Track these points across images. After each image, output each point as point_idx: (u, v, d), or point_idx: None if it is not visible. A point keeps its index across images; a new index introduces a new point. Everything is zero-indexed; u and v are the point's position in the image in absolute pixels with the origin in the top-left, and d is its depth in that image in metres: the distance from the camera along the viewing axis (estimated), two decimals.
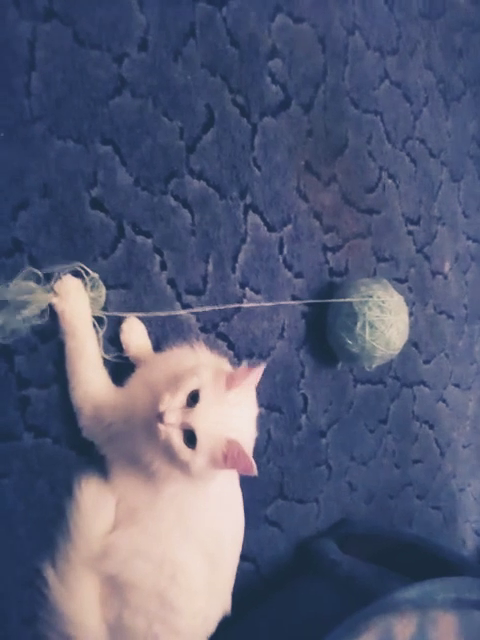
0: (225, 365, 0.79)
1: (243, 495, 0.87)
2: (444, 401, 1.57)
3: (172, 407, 0.68)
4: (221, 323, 1.00)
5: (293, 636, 0.97)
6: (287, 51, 1.09)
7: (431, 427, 1.53)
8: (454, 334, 1.59)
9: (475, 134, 1.58)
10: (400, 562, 1.13)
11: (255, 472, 0.68)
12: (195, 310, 0.96)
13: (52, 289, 0.79)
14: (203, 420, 0.68)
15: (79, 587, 0.77)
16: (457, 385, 1.61)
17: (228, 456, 0.69)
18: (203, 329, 0.98)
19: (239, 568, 0.86)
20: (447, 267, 1.52)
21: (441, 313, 1.53)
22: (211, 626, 0.83)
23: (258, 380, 0.73)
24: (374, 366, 1.15)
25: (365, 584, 1.04)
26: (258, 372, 0.72)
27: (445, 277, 1.52)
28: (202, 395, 0.69)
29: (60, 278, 0.80)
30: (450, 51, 1.48)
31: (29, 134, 0.79)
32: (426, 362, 1.49)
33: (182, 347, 0.81)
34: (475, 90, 1.55)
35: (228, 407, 0.70)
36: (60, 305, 0.80)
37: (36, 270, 0.79)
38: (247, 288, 1.04)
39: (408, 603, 0.90)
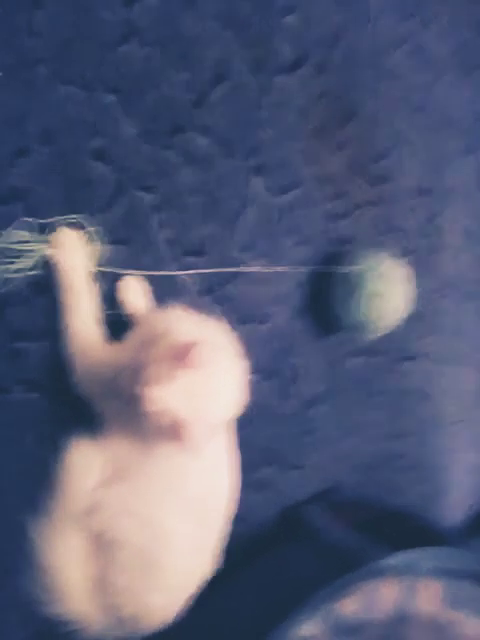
0: (216, 332, 0.78)
1: None
2: (442, 376, 1.56)
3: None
4: (220, 287, 0.99)
5: (277, 599, 0.98)
6: (304, 7, 1.04)
7: (427, 401, 1.52)
8: (457, 309, 1.56)
9: None
10: (386, 532, 1.14)
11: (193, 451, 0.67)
12: (193, 272, 0.94)
13: (49, 240, 0.77)
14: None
15: (63, 542, 0.78)
16: (457, 360, 1.60)
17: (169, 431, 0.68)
18: (201, 292, 0.96)
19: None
20: (458, 241, 1.48)
21: (446, 287, 1.50)
22: (196, 585, 0.84)
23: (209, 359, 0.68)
24: (374, 337, 1.14)
25: (349, 551, 1.06)
26: (201, 351, 0.67)
27: (454, 251, 1.49)
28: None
29: (57, 229, 0.78)
30: (473, 20, 1.41)
31: (31, 76, 0.76)
32: (427, 336, 1.47)
33: (177, 309, 0.79)
34: None
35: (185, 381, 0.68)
36: (56, 257, 0.78)
37: (32, 220, 0.77)
38: (249, 252, 1.02)
39: (392, 570, 0.92)
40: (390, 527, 1.19)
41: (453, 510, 1.72)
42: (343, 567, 0.95)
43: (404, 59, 1.25)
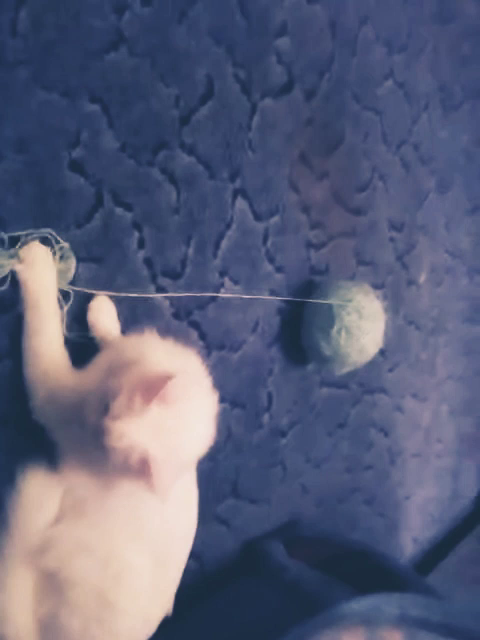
0: (189, 362, 0.73)
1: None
2: (401, 410, 1.57)
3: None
4: (195, 311, 0.95)
5: (235, 638, 0.94)
6: (297, 31, 1.02)
7: (386, 435, 1.52)
8: (419, 345, 1.58)
9: (466, 147, 1.56)
10: (345, 569, 1.12)
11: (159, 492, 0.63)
12: (170, 294, 0.89)
13: (17, 255, 0.72)
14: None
15: (11, 581, 0.72)
16: (415, 395, 1.61)
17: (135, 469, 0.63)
18: (176, 315, 0.92)
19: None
20: (423, 278, 1.50)
21: (410, 323, 1.52)
22: (152, 628, 0.79)
23: (180, 394, 0.64)
24: (344, 371, 1.12)
25: (310, 591, 1.03)
26: (174, 385, 0.62)
27: (419, 288, 1.51)
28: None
29: (27, 244, 0.73)
30: (455, 59, 1.44)
31: (10, 78, 0.70)
32: (390, 370, 1.48)
33: (146, 335, 0.74)
34: (474, 103, 1.53)
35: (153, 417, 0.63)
36: (24, 274, 0.72)
37: (0, 232, 0.71)
38: (226, 277, 0.98)
39: (354, 616, 0.89)
40: (349, 564, 1.16)
41: (407, 544, 1.72)
42: (303, 606, 0.92)
43: (388, 93, 1.26)
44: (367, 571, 1.13)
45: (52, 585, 0.73)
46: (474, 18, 1.48)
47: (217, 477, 1.06)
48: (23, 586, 0.72)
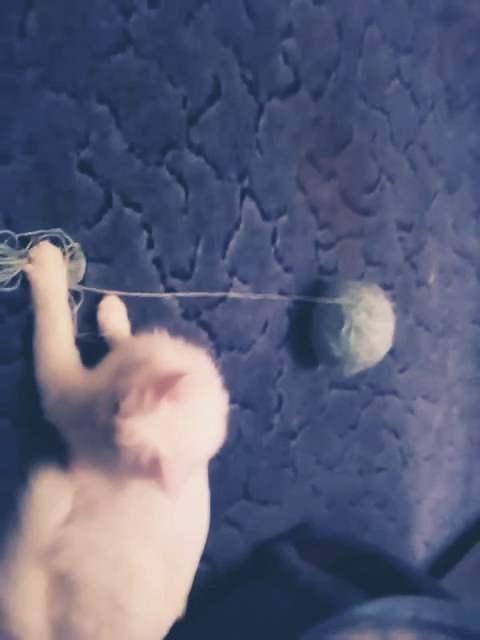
0: (199, 361, 0.73)
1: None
2: (412, 412, 1.55)
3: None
4: (204, 311, 0.94)
5: None
6: (303, 32, 1.03)
7: (397, 436, 1.51)
8: (429, 346, 1.57)
9: (474, 147, 1.56)
10: (357, 571, 1.11)
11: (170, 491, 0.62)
12: (179, 294, 0.89)
13: (27, 255, 0.72)
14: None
15: (24, 583, 0.71)
16: (426, 397, 1.60)
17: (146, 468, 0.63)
18: (185, 316, 0.92)
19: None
20: (432, 278, 1.49)
21: (420, 324, 1.51)
22: (164, 630, 0.78)
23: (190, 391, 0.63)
24: (354, 372, 1.11)
25: (323, 594, 1.02)
26: (186, 383, 0.62)
27: (428, 288, 1.50)
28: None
29: (37, 244, 0.73)
30: (461, 59, 1.44)
31: (18, 80, 0.71)
32: (400, 371, 1.47)
33: (156, 334, 0.74)
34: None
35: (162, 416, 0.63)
36: (34, 274, 0.72)
37: (11, 232, 0.71)
38: (235, 277, 0.98)
39: (367, 619, 0.88)
40: (361, 567, 1.15)
41: (419, 548, 1.71)
42: (316, 609, 0.91)
43: (395, 93, 1.26)
44: (380, 574, 1.12)
45: (64, 587, 0.72)
46: (479, 19, 1.48)
47: (228, 479, 1.05)
48: (36, 587, 0.72)
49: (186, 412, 0.65)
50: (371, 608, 0.88)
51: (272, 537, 1.17)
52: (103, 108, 0.79)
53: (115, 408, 0.64)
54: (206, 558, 1.04)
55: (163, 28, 0.83)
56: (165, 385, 0.62)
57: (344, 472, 1.33)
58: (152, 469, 0.62)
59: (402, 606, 0.90)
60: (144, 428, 0.62)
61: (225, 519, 1.06)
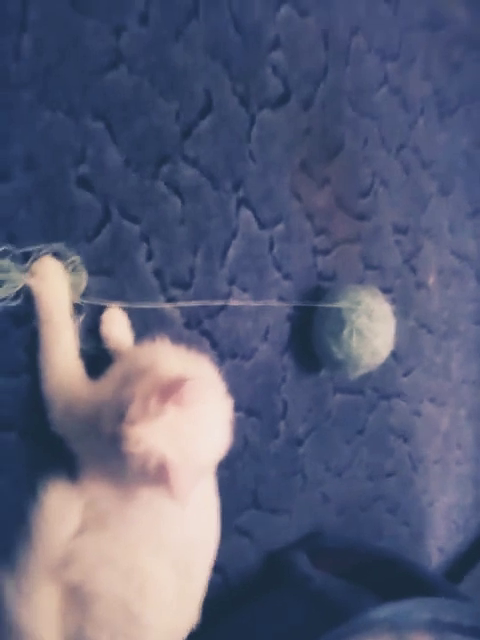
0: (202, 368, 0.74)
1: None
2: (419, 415, 1.55)
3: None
4: (205, 320, 0.95)
5: None
6: (290, 44, 1.05)
7: (405, 441, 1.51)
8: (432, 349, 1.57)
9: (466, 150, 1.58)
10: (372, 578, 1.10)
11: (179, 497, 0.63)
12: (181, 304, 0.90)
13: (29, 269, 0.73)
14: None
15: (37, 597, 0.71)
16: (432, 400, 1.60)
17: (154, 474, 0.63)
18: (187, 325, 0.93)
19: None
20: (431, 280, 1.50)
21: (422, 326, 1.51)
22: None
23: (196, 396, 0.63)
24: (357, 375, 1.12)
25: (337, 600, 1.01)
26: (190, 388, 0.62)
27: (428, 291, 1.51)
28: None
29: (39, 258, 0.74)
30: (448, 65, 1.47)
31: (15, 100, 0.73)
32: (404, 375, 1.47)
33: (159, 343, 0.75)
34: (469, 107, 1.55)
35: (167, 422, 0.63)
36: (37, 288, 0.73)
37: (12, 248, 0.72)
38: (234, 285, 0.99)
39: (382, 622, 0.87)
40: (376, 573, 1.14)
41: (433, 554, 1.69)
42: (330, 616, 0.90)
43: (383, 100, 1.28)
44: (395, 580, 1.11)
45: (77, 599, 0.72)
46: (464, 24, 1.51)
47: (236, 488, 1.05)
48: (49, 602, 0.72)
49: (191, 417, 0.65)
50: (385, 611, 0.88)
51: (284, 546, 1.16)
52: (98, 125, 0.81)
53: (121, 417, 0.65)
54: (218, 569, 1.04)
55: (154, 45, 0.86)
56: (169, 390, 0.63)
57: (353, 478, 1.33)
58: (160, 475, 0.63)
59: (418, 608, 0.89)
60: (150, 435, 0.63)
61: (235, 528, 1.06)
